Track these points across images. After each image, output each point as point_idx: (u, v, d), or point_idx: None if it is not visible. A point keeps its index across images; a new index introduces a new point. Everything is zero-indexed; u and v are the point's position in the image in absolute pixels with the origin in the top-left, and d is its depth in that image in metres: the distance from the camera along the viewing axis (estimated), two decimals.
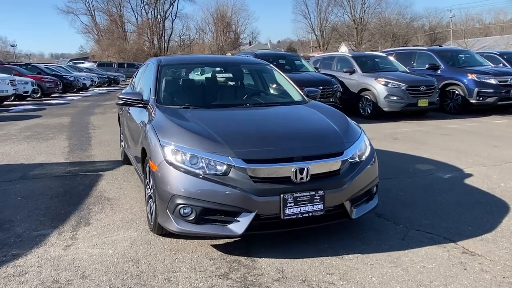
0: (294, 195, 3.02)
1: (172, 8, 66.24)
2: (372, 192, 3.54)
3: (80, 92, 24.45)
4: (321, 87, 9.85)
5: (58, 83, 21.20)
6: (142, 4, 65.04)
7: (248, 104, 4.17)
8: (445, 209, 4.14)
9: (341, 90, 10.46)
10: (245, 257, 3.14)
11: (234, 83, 4.87)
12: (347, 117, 3.94)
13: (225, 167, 3.02)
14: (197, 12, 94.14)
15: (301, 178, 3.05)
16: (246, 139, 3.25)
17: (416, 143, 7.45)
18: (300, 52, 55.63)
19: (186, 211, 3.05)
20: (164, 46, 65.81)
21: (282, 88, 4.84)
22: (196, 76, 4.92)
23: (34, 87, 18.86)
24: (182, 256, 3.17)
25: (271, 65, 5.14)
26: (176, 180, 3.05)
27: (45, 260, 3.12)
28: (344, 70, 11.58)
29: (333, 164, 3.20)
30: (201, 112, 3.90)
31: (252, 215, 2.98)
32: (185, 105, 3.99)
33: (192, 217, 3.04)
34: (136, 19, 65.96)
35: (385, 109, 10.48)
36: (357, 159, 3.39)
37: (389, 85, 10.43)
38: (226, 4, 68.88)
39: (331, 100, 10.08)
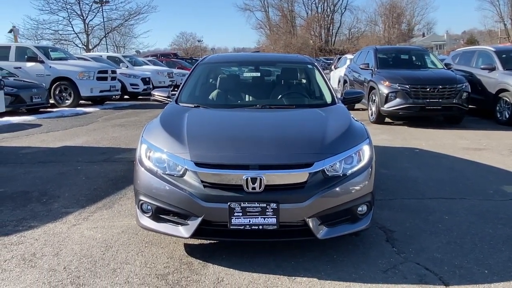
0: (242, 205, 2.85)
1: (342, 1, 65.91)
2: (356, 212, 3.09)
3: None
4: (440, 86, 8.81)
5: None
6: None
7: (258, 106, 4.03)
8: (480, 243, 3.36)
9: (469, 91, 9.07)
10: (200, 261, 3.09)
11: (261, 82, 4.71)
12: (351, 123, 3.49)
13: (183, 169, 3.02)
14: (370, 4, 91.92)
15: (253, 188, 2.87)
16: (211, 143, 3.19)
17: None
18: (485, 44, 49.16)
19: (147, 207, 3.15)
20: (331, 40, 65.98)
21: (316, 90, 4.51)
22: (226, 74, 4.92)
23: None
24: (149, 250, 3.29)
25: (315, 64, 4.81)
26: (140, 177, 3.17)
27: (46, 235, 3.58)
28: (482, 67, 10.01)
29: (296, 176, 2.91)
30: (203, 111, 3.93)
31: (199, 220, 2.92)
32: (196, 104, 4.07)
33: (149, 214, 3.14)
34: (307, 13, 67.55)
35: None
36: (338, 172, 3.02)
37: None
38: None
39: (454, 101, 8.85)
